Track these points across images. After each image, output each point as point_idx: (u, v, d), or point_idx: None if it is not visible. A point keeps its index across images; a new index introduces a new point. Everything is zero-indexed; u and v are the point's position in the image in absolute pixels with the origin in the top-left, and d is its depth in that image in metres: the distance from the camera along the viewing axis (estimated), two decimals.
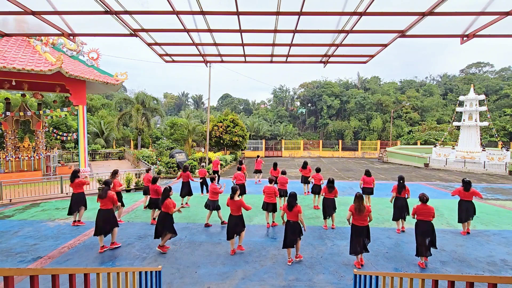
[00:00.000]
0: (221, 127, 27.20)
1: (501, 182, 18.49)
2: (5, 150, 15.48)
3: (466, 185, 7.65)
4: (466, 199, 7.70)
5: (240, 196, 7.77)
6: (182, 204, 9.68)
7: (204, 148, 29.44)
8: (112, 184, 7.16)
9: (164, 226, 6.36)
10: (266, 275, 5.49)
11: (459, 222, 7.90)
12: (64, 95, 21.79)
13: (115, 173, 8.64)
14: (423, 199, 5.96)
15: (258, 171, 14.59)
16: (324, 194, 8.21)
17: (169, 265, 5.85)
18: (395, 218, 8.00)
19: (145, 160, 19.43)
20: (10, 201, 10.98)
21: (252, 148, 38.14)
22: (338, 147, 39.97)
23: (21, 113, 15.17)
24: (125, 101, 32.80)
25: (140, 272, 3.82)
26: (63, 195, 11.94)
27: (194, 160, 20.11)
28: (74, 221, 8.37)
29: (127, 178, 13.05)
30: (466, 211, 7.69)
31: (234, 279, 5.35)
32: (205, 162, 21.30)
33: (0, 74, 12.73)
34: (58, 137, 19.21)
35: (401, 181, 8.01)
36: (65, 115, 25.50)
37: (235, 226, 6.39)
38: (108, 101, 39.52)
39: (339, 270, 5.71)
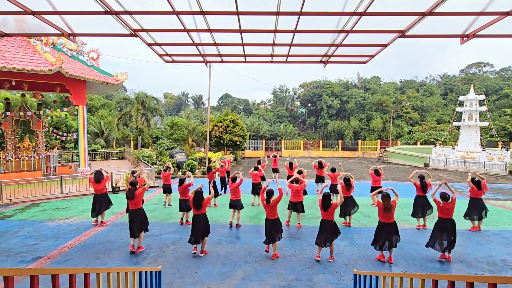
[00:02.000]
0: (221, 127, 27.18)
1: (501, 182, 18.49)
2: (5, 150, 15.47)
3: (477, 184, 7.93)
4: (476, 197, 8.02)
5: (259, 197, 7.62)
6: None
7: (204, 148, 29.44)
8: (138, 183, 7.24)
9: (203, 230, 6.28)
10: (266, 275, 5.49)
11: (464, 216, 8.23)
12: (64, 95, 21.80)
13: (133, 172, 8.95)
14: (444, 197, 6.20)
15: (275, 170, 14.59)
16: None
17: (169, 265, 5.85)
18: (415, 215, 8.35)
19: (145, 160, 19.41)
20: (10, 201, 10.97)
21: (252, 148, 38.08)
22: (338, 147, 39.93)
23: (21, 113, 15.17)
24: (125, 101, 32.75)
25: (140, 272, 3.82)
26: (63, 195, 11.94)
27: (194, 160, 20.09)
28: (96, 221, 8.49)
29: (126, 178, 13.05)
30: (475, 209, 8.06)
31: (234, 279, 5.35)
32: (205, 162, 21.29)
33: (0, 74, 12.73)
34: (58, 137, 19.20)
35: (423, 181, 8.30)
36: (65, 115, 25.50)
37: (270, 230, 6.17)
38: (108, 101, 39.47)
39: (339, 270, 5.71)
